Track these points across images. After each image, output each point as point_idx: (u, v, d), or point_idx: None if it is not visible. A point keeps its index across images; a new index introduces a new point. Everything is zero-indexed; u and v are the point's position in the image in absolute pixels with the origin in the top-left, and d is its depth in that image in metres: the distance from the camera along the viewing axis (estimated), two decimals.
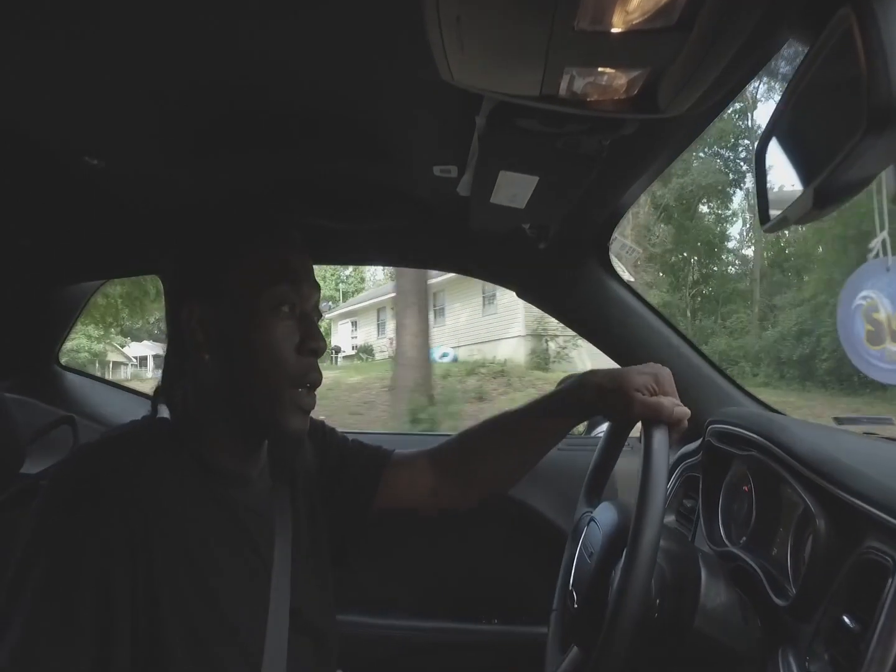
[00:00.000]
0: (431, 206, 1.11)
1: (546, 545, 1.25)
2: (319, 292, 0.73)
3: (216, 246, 0.70)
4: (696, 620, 0.68)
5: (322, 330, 0.73)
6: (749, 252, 17.60)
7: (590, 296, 1.31)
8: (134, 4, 0.60)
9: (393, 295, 16.56)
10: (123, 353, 19.81)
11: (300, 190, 1.05)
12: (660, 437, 0.68)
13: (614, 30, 0.48)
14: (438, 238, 1.29)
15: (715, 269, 16.84)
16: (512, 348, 12.48)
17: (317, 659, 0.74)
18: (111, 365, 17.74)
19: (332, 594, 0.80)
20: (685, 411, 0.73)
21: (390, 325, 16.47)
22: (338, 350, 16.40)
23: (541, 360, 11.93)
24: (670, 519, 1.11)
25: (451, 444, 0.88)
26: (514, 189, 0.88)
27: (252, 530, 0.69)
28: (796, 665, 0.63)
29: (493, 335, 13.07)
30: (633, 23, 0.48)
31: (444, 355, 12.75)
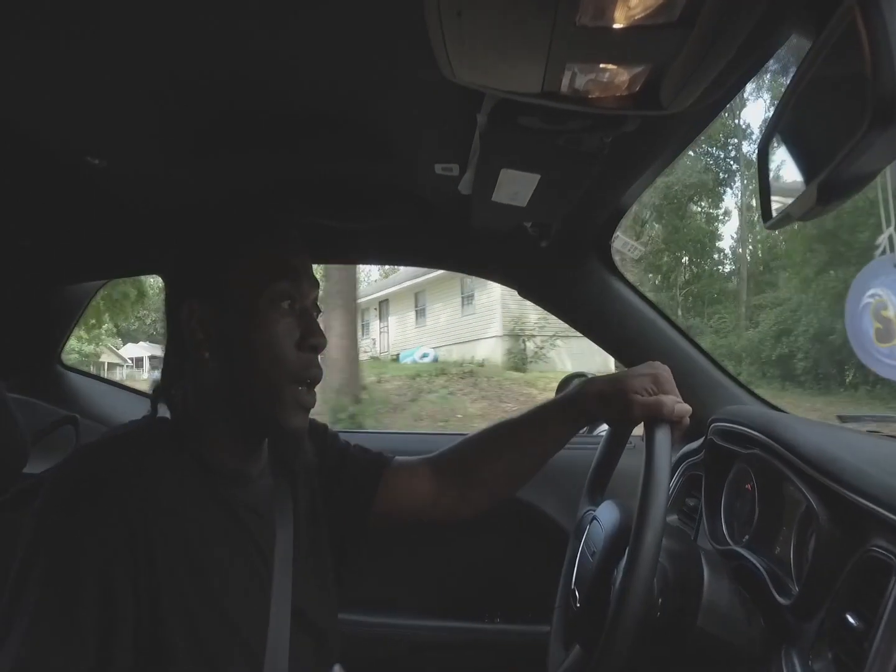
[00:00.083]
0: (433, 205, 1.11)
1: (548, 543, 1.25)
2: (318, 288, 0.73)
3: (216, 245, 0.70)
4: (699, 619, 0.68)
5: None
6: (740, 251, 17.57)
7: (591, 294, 1.31)
8: (134, 5, 0.60)
9: (370, 297, 16.62)
10: (118, 355, 19.77)
11: (301, 189, 1.04)
12: (661, 436, 0.67)
13: (616, 25, 0.48)
14: (440, 237, 1.29)
15: (701, 268, 16.79)
16: (490, 348, 12.51)
17: (318, 658, 0.74)
18: (106, 366, 17.71)
19: (334, 594, 0.80)
20: (686, 409, 0.73)
21: (374, 326, 16.46)
22: None
23: (518, 360, 11.91)
24: (673, 517, 1.10)
25: (452, 452, 0.87)
26: (516, 187, 0.88)
27: (252, 530, 0.69)
28: (800, 664, 0.63)
29: (472, 335, 13.10)
30: (635, 19, 0.47)
31: (425, 356, 12.82)
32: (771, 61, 0.62)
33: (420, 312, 14.97)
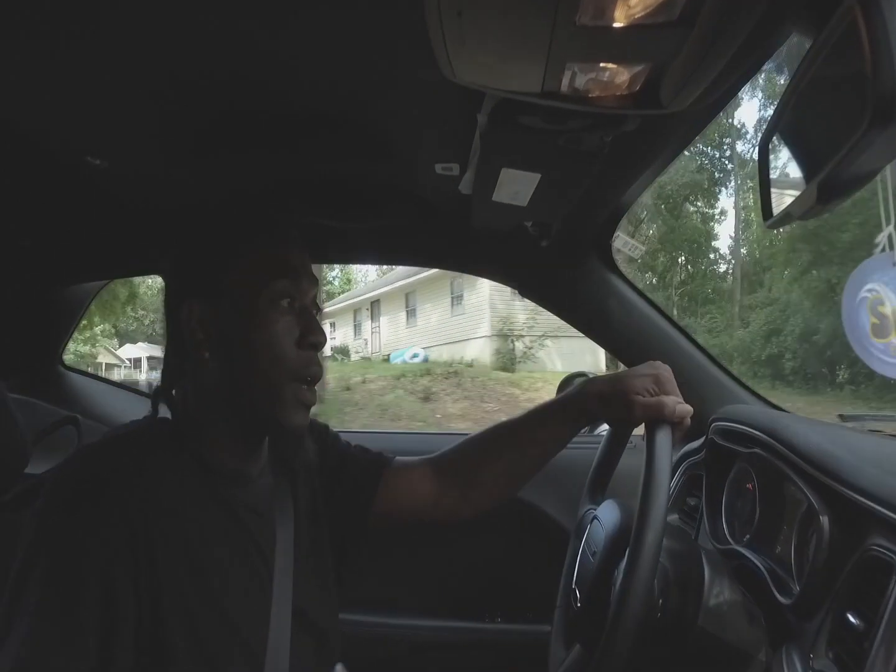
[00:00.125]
0: (433, 205, 1.11)
1: (548, 543, 1.25)
2: (318, 286, 0.73)
3: (215, 245, 0.70)
4: (699, 619, 0.68)
5: None
6: (740, 250, 17.53)
7: (592, 293, 1.31)
8: (134, 5, 0.60)
9: (362, 297, 16.56)
10: (115, 355, 19.73)
11: (301, 189, 1.05)
12: (662, 437, 0.67)
13: (616, 25, 0.48)
14: (440, 236, 1.29)
15: (697, 268, 16.77)
16: (479, 348, 12.55)
17: (319, 658, 0.74)
18: (103, 367, 17.70)
19: (335, 593, 0.80)
20: (687, 409, 0.72)
21: (366, 326, 16.48)
22: None
23: (506, 360, 11.94)
24: (674, 517, 1.10)
25: (453, 453, 0.87)
26: (516, 186, 0.88)
27: (253, 529, 0.69)
28: (800, 663, 0.62)
29: (461, 335, 13.15)
30: (635, 18, 0.47)
31: (415, 356, 12.87)
32: (785, 60, 0.62)
33: (411, 313, 15.02)
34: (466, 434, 0.90)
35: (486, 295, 12.63)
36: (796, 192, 0.50)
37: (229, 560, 0.66)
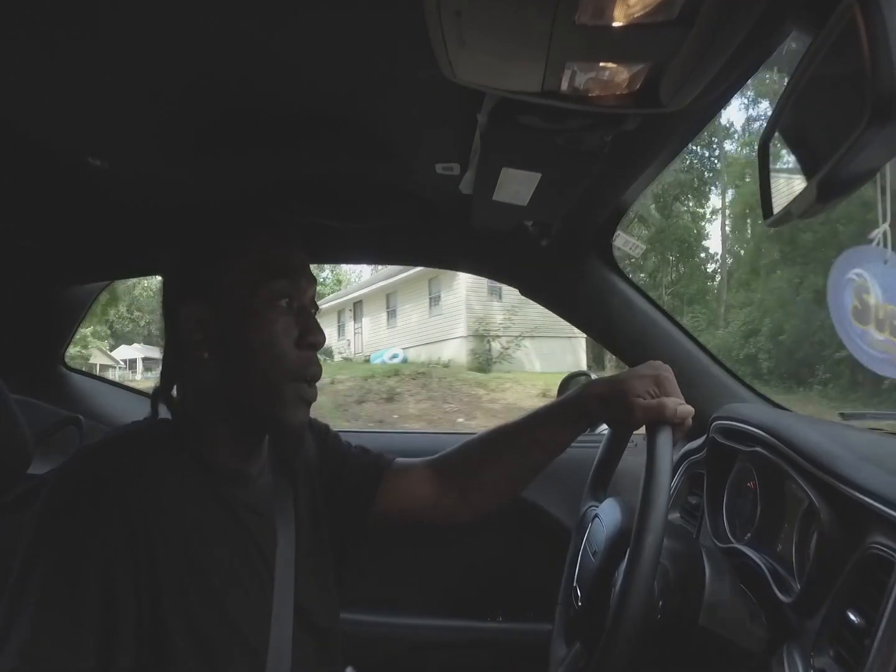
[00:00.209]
0: (434, 205, 1.11)
1: (549, 542, 1.25)
2: (316, 285, 0.73)
3: (213, 245, 0.69)
4: (700, 618, 0.68)
5: None
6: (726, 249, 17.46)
7: (593, 292, 1.31)
8: (134, 5, 0.60)
9: (345, 298, 16.55)
10: (110, 356, 19.66)
11: (301, 189, 1.05)
12: (663, 439, 0.67)
13: (615, 24, 0.48)
14: (441, 236, 1.29)
15: (687, 268, 16.75)
16: (456, 349, 12.57)
17: (320, 658, 0.74)
18: (97, 368, 17.67)
19: (335, 593, 0.80)
20: (688, 410, 0.72)
21: (349, 327, 16.49)
22: None
23: (482, 361, 11.93)
24: (675, 516, 1.10)
25: (453, 455, 0.87)
26: (517, 186, 0.88)
27: (253, 529, 0.69)
28: (801, 661, 0.63)
29: (439, 336, 13.17)
30: (635, 17, 0.47)
31: (395, 356, 12.89)
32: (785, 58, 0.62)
33: (391, 313, 15.06)
34: (469, 434, 0.90)
35: (462, 295, 12.68)
36: (796, 191, 0.50)
37: (229, 560, 0.66)
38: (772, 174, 0.57)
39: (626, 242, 1.23)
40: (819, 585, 0.64)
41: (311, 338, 0.69)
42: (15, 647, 0.54)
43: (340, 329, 17.24)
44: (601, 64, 0.55)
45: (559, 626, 0.89)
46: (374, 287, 15.36)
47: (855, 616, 0.57)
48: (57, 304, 1.54)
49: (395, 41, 0.65)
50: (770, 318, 11.50)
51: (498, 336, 12.06)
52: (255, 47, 0.68)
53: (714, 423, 1.00)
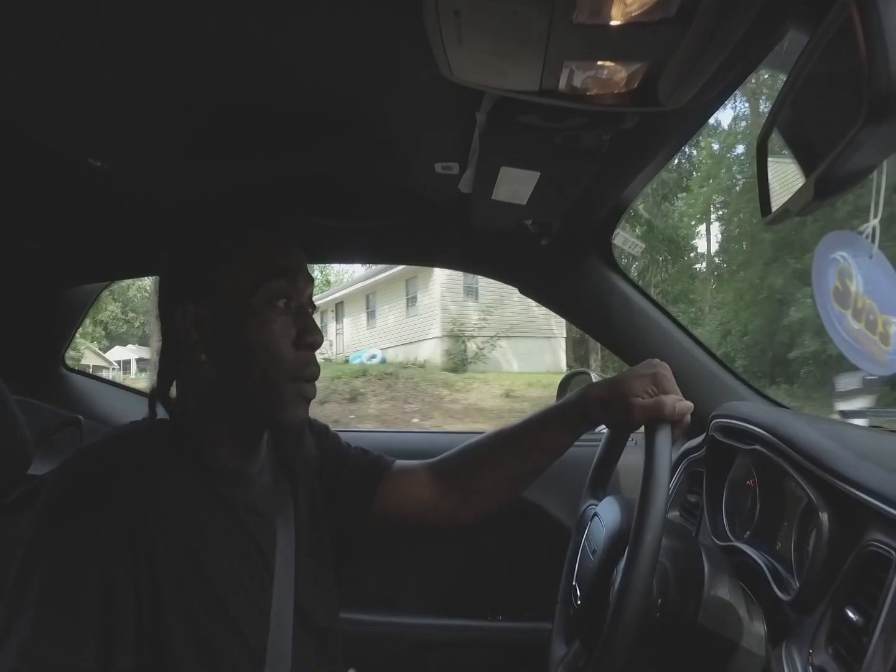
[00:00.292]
0: (433, 204, 1.11)
1: (549, 541, 1.25)
2: (313, 285, 0.73)
3: (210, 246, 0.69)
4: (699, 616, 0.68)
5: None
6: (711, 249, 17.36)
7: (593, 291, 1.31)
8: (134, 6, 0.60)
9: (327, 299, 16.61)
10: (103, 357, 19.58)
11: (301, 189, 1.05)
12: (662, 437, 0.67)
13: (613, 23, 0.48)
14: (441, 236, 1.29)
15: (673, 266, 16.73)
16: (431, 349, 12.59)
17: (320, 658, 0.74)
18: (91, 369, 17.67)
19: (335, 593, 0.80)
20: (687, 407, 0.72)
21: (331, 328, 16.50)
22: None
23: (457, 361, 11.91)
24: (675, 514, 1.10)
25: (453, 458, 0.87)
26: (516, 185, 0.88)
27: (252, 529, 0.69)
28: (800, 659, 0.63)
29: (415, 336, 13.20)
30: (632, 15, 0.48)
31: (373, 357, 12.92)
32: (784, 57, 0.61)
33: (371, 314, 15.11)
34: (470, 434, 0.90)
35: (437, 296, 12.71)
36: (794, 188, 0.50)
37: (229, 560, 0.66)
38: (770, 172, 0.57)
39: (626, 241, 1.23)
40: (818, 583, 0.64)
41: (310, 338, 0.69)
42: (15, 647, 0.54)
43: (323, 330, 17.09)
44: (599, 63, 0.55)
45: (559, 625, 0.89)
46: (354, 288, 15.41)
47: (853, 613, 0.57)
48: (57, 305, 1.54)
49: (394, 41, 0.66)
50: (737, 318, 11.54)
51: (473, 336, 12.08)
52: (255, 47, 0.68)
53: (713, 422, 1.00)
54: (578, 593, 0.80)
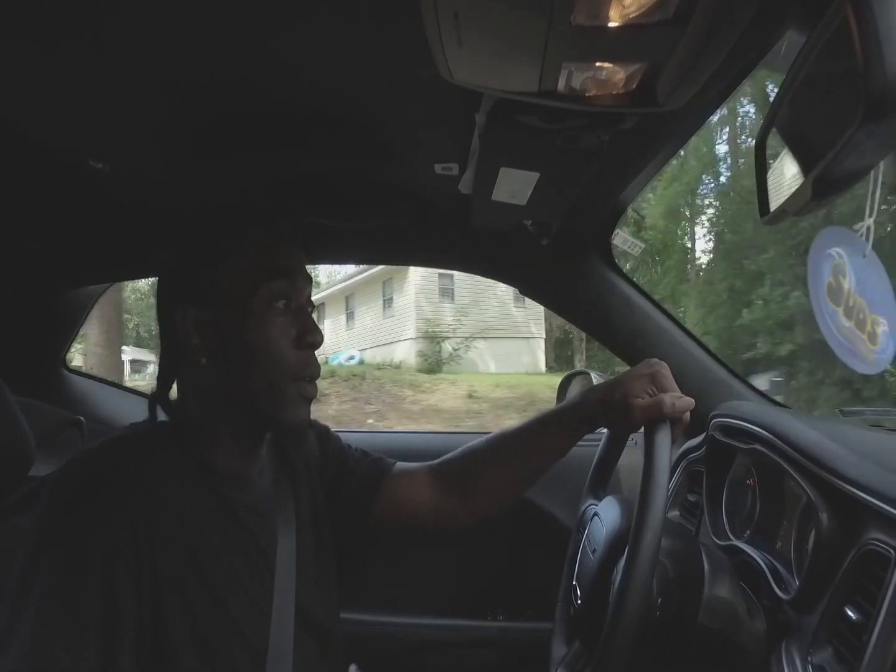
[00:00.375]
0: (433, 204, 1.11)
1: (549, 541, 1.25)
2: (311, 284, 0.73)
3: (208, 248, 0.69)
4: (699, 615, 0.68)
5: None
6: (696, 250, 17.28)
7: (592, 291, 1.31)
8: (134, 6, 0.61)
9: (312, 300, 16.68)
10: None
11: (301, 189, 1.05)
12: (661, 437, 0.67)
13: (611, 24, 0.48)
14: (441, 236, 1.29)
15: (661, 267, 16.73)
16: (406, 350, 12.61)
17: (321, 658, 0.74)
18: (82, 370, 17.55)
19: (335, 593, 0.80)
20: (687, 404, 0.72)
21: None
22: None
23: (431, 362, 11.88)
24: (675, 513, 1.11)
25: (453, 460, 0.88)
26: (515, 186, 0.88)
27: (253, 530, 0.69)
28: (799, 658, 0.63)
29: (392, 337, 13.23)
30: (630, 17, 0.48)
31: (351, 358, 12.90)
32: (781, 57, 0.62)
33: (350, 315, 15.15)
34: (472, 434, 0.90)
35: (412, 298, 12.72)
36: (792, 189, 0.50)
37: (230, 560, 0.66)
38: (768, 172, 0.57)
39: (626, 241, 1.23)
40: (817, 582, 0.64)
41: (310, 337, 0.69)
42: (17, 649, 0.54)
43: None
44: (598, 64, 0.55)
45: (559, 625, 0.90)
46: (334, 289, 15.43)
47: (853, 612, 0.57)
48: (58, 306, 1.54)
49: (394, 41, 0.66)
50: (703, 321, 11.52)
51: (448, 337, 12.08)
52: (255, 47, 0.68)
53: (713, 421, 1.00)
54: (579, 593, 0.80)
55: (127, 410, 1.65)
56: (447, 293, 12.90)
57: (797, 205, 0.49)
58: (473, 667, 1.39)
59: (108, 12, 0.61)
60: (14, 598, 0.56)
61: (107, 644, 0.56)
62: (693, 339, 1.30)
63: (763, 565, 0.75)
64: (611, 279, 1.29)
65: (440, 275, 12.48)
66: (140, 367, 18.13)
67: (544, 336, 14.27)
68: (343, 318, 15.33)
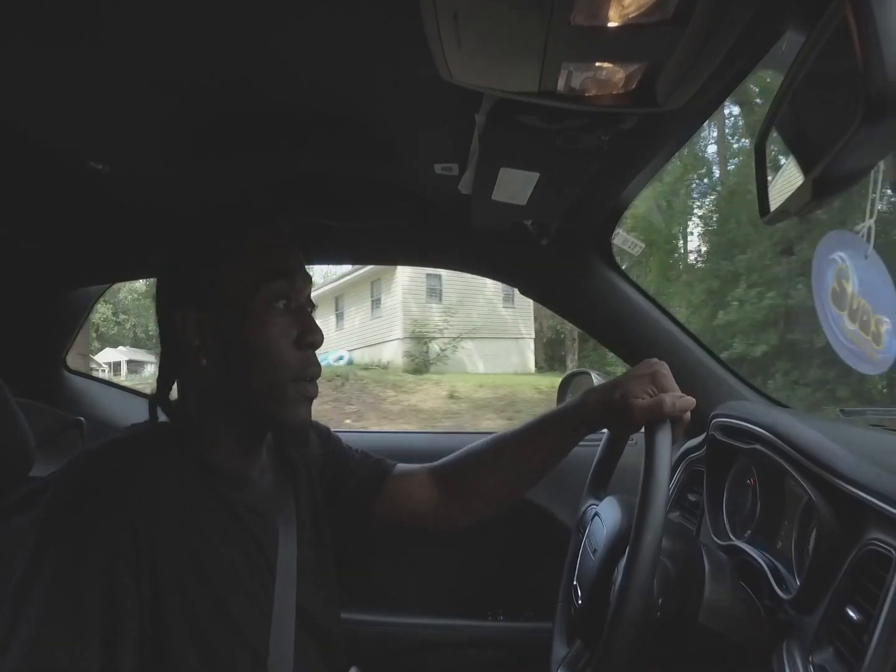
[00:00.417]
0: (433, 205, 1.11)
1: (549, 541, 1.25)
2: (311, 284, 0.73)
3: (208, 247, 0.69)
4: (700, 616, 0.68)
5: None
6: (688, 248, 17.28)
7: (592, 291, 1.31)
8: (134, 6, 0.61)
9: None
10: (92, 359, 19.57)
11: (301, 189, 1.05)
12: (661, 437, 0.67)
13: (610, 24, 0.48)
14: (441, 236, 1.30)
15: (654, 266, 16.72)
16: (395, 351, 12.64)
17: (321, 658, 0.74)
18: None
19: (335, 593, 0.80)
20: (687, 403, 0.72)
21: None
22: None
23: (418, 362, 11.89)
24: (675, 513, 1.10)
25: (453, 462, 0.88)
26: (515, 186, 0.88)
27: (253, 530, 0.69)
28: (800, 658, 0.63)
29: (380, 338, 13.26)
30: (630, 17, 0.48)
31: (340, 358, 12.91)
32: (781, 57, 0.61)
33: (339, 316, 15.19)
34: (472, 434, 0.90)
35: (399, 298, 12.74)
36: (792, 189, 0.50)
37: (231, 560, 0.66)
38: (768, 172, 0.57)
39: (626, 241, 1.23)
40: (818, 582, 0.64)
41: (310, 337, 0.69)
42: (19, 649, 0.54)
43: None
44: (597, 64, 0.55)
45: (559, 625, 0.90)
46: (325, 289, 15.47)
47: (854, 612, 0.57)
48: (58, 306, 1.54)
49: (394, 41, 0.66)
50: (688, 321, 11.53)
51: (435, 338, 12.09)
52: (255, 47, 0.68)
53: (714, 421, 1.00)
54: (579, 593, 0.80)
55: (127, 411, 1.65)
56: (435, 293, 12.93)
57: (798, 205, 0.49)
58: (473, 667, 1.39)
59: (108, 13, 0.61)
60: (15, 598, 0.56)
61: (107, 644, 0.56)
62: (693, 339, 1.30)
63: (764, 565, 0.75)
64: (611, 279, 1.29)
65: (428, 275, 12.51)
66: (137, 367, 18.15)
67: (534, 336, 14.28)
68: (333, 318, 15.38)
